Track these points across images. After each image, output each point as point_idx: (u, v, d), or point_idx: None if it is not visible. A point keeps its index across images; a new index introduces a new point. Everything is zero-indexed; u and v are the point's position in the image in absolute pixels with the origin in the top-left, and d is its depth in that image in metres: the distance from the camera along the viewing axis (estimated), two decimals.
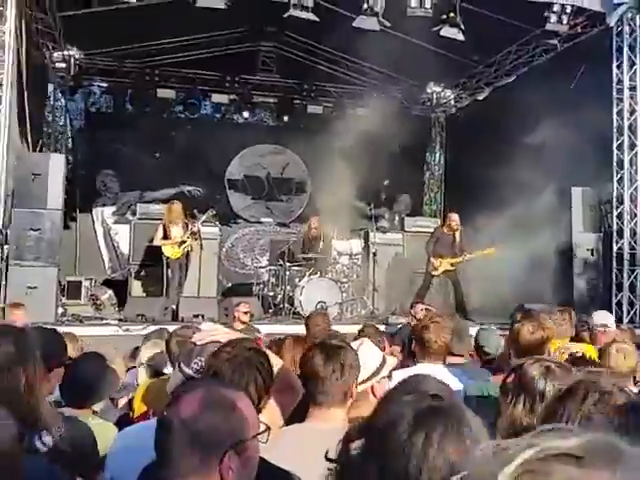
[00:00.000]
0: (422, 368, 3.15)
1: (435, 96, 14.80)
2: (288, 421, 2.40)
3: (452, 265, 10.20)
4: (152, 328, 6.49)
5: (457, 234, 10.25)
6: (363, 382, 2.47)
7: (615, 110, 9.78)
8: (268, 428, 1.65)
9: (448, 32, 9.83)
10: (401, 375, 2.84)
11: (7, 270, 8.48)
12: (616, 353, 3.46)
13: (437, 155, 15.20)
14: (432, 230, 10.88)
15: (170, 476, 1.44)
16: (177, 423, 1.43)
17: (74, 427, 2.48)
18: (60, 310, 9.17)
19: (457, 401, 1.16)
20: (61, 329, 6.31)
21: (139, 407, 3.61)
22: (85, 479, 2.44)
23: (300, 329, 7.34)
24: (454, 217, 10.47)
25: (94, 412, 3.14)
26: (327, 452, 1.22)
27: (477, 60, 12.51)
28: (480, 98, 12.94)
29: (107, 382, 3.21)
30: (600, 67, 9.91)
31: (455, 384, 3.06)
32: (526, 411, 1.83)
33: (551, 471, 0.56)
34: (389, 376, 2.67)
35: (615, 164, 9.73)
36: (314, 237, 10.81)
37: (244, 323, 7.38)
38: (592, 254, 9.92)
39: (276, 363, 2.31)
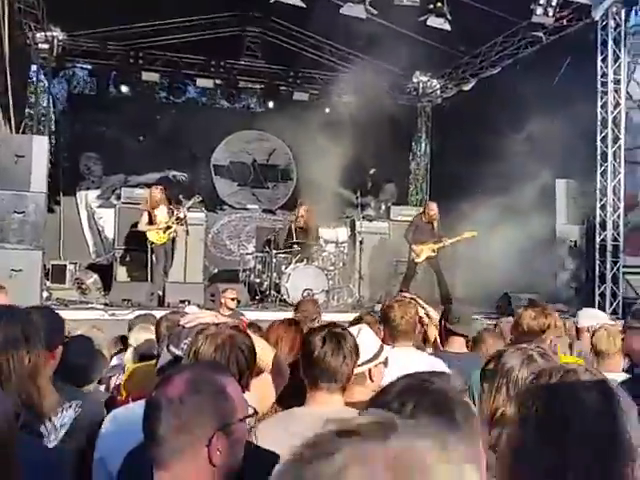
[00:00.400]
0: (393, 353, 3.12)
1: (421, 86, 14.83)
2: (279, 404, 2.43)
3: (434, 251, 10.27)
4: (137, 313, 6.48)
5: (435, 223, 10.34)
6: (362, 365, 2.51)
7: (599, 103, 9.89)
8: (255, 412, 1.67)
9: (434, 22, 9.86)
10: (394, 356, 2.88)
11: None
12: (600, 331, 3.49)
13: (423, 145, 15.25)
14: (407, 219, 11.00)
15: (158, 457, 1.44)
16: (165, 404, 1.44)
17: (90, 400, 2.50)
18: (45, 294, 9.08)
19: (449, 389, 1.20)
20: None
21: (127, 390, 3.61)
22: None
23: (286, 316, 7.38)
24: (433, 206, 10.57)
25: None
26: None
27: (463, 51, 12.56)
28: (466, 89, 12.99)
29: (98, 364, 3.22)
30: (585, 60, 10.00)
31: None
32: (506, 399, 1.82)
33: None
34: (385, 362, 2.72)
35: (599, 156, 9.85)
36: (301, 226, 10.81)
37: (230, 309, 7.35)
38: (575, 245, 10.06)
39: (267, 347, 2.33)
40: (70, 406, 2.40)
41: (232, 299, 7.45)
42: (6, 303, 6.38)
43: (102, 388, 4.22)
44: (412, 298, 3.72)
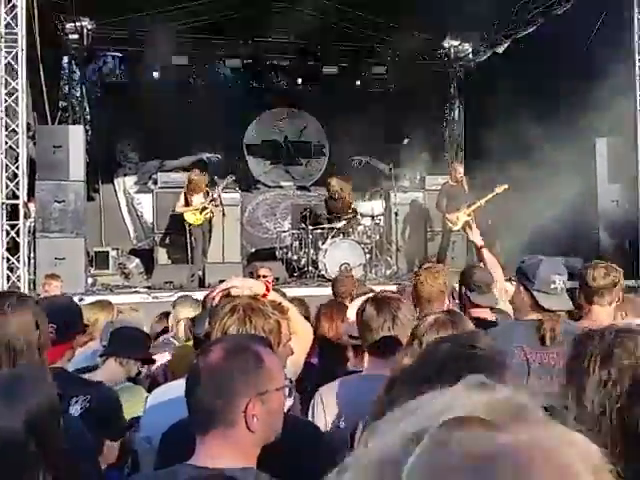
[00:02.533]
0: None
1: (453, 50, 14.50)
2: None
3: (469, 215, 10.07)
4: (178, 295, 6.61)
5: (465, 185, 10.11)
6: None
7: (637, 58, 9.50)
8: (291, 382, 1.69)
9: None
10: None
11: (35, 243, 8.63)
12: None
13: (456, 111, 14.96)
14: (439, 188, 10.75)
15: (198, 424, 1.50)
16: (203, 372, 1.50)
17: (100, 392, 2.56)
18: (90, 280, 9.34)
19: (495, 354, 1.17)
20: (94, 298, 6.47)
21: (172, 370, 3.69)
22: (113, 441, 2.54)
23: (325, 291, 7.42)
24: (458, 168, 10.34)
25: (128, 378, 3.24)
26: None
27: (495, 11, 12.20)
28: (499, 51, 12.66)
29: (145, 348, 3.31)
30: (622, 13, 9.60)
31: None
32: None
33: (451, 439, 0.47)
34: None
35: (639, 113, 9.50)
36: (335, 198, 10.76)
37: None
38: (617, 204, 9.79)
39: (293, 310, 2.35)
40: (77, 401, 2.44)
41: (264, 276, 7.46)
42: (59, 291, 6.61)
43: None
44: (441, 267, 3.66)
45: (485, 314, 3.38)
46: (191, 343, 3.87)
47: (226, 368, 1.49)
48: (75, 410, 2.41)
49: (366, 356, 2.45)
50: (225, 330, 2.02)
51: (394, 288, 4.67)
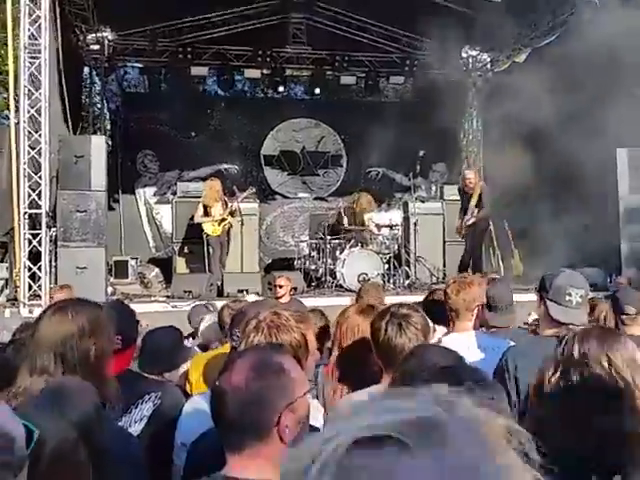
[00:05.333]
0: (450, 339, 2.99)
1: (471, 60, 14.49)
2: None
3: (464, 223, 9.93)
4: (197, 303, 6.63)
5: (474, 194, 9.86)
6: None
7: None
8: (314, 384, 1.67)
9: None
10: (448, 341, 2.84)
11: (56, 252, 8.71)
12: None
13: (474, 121, 14.91)
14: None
15: (228, 441, 1.49)
16: (230, 391, 1.48)
17: (170, 390, 2.57)
18: (110, 289, 9.39)
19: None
20: None
21: (196, 380, 3.68)
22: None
23: (343, 301, 7.39)
24: (467, 174, 10.16)
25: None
26: None
27: (514, 20, 12.17)
28: (518, 60, 12.61)
29: (182, 352, 3.29)
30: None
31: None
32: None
33: (364, 465, 0.45)
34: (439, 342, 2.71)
35: None
36: (357, 213, 10.77)
37: (279, 297, 7.32)
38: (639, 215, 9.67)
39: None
40: (150, 398, 2.46)
41: (280, 286, 7.44)
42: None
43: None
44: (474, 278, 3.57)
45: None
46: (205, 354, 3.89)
47: (254, 385, 1.47)
48: (147, 407, 2.42)
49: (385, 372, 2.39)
50: (247, 338, 2.04)
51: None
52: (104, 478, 1.45)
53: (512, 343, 2.90)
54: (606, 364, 1.65)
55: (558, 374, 1.66)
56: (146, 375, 2.80)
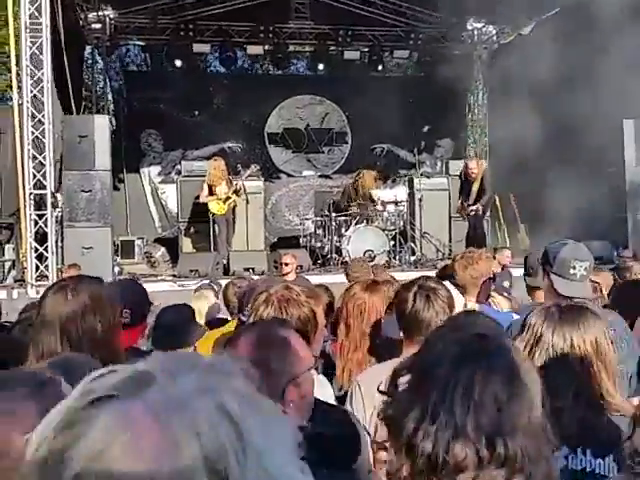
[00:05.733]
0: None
1: (476, 33, 14.29)
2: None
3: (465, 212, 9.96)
4: (202, 282, 6.66)
5: (475, 182, 9.86)
6: None
7: None
8: (317, 359, 1.68)
9: None
10: None
11: (62, 232, 8.74)
12: None
13: (480, 94, 14.75)
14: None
15: None
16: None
17: None
18: (117, 269, 9.43)
19: (505, 341, 1.13)
20: None
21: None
22: None
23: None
24: (469, 163, 10.19)
25: None
26: (379, 385, 1.22)
27: None
28: (524, 32, 12.44)
29: (191, 330, 3.30)
30: None
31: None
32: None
33: (90, 418, 0.54)
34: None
35: None
36: (362, 189, 10.72)
37: (285, 275, 7.33)
38: None
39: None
40: None
41: (283, 264, 7.43)
42: None
43: None
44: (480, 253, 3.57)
45: None
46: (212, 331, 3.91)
47: (258, 359, 1.46)
48: None
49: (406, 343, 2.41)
50: (257, 312, 2.05)
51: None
52: None
53: (516, 317, 2.90)
54: (568, 344, 1.66)
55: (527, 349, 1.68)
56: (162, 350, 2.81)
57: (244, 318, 2.83)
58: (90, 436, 0.53)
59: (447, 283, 2.79)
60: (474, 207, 9.79)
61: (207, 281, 6.70)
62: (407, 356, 2.28)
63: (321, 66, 14.04)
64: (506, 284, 7.09)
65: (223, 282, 6.06)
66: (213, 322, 4.47)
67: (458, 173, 10.65)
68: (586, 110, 9.97)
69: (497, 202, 10.99)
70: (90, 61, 13.30)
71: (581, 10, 10.80)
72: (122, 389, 0.56)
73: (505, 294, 4.73)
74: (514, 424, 0.97)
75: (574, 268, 2.58)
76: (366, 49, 14.06)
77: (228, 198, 9.96)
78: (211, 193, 9.95)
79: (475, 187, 9.83)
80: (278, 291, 2.11)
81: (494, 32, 14.03)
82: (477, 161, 10.48)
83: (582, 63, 9.76)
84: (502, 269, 7.59)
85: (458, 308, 2.62)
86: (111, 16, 12.49)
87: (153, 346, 2.90)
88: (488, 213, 10.77)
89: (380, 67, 14.10)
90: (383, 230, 10.33)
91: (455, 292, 2.76)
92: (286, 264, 7.42)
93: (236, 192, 10.04)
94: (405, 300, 2.35)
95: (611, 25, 9.61)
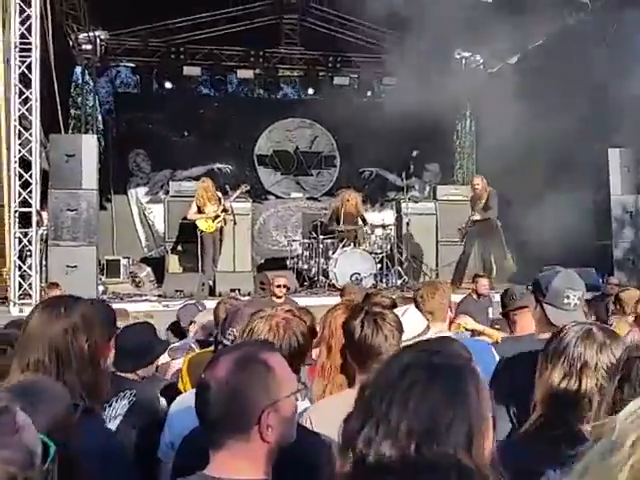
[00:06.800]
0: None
1: (464, 62, 14.52)
2: None
3: (465, 228, 10.04)
4: (186, 302, 6.60)
5: (482, 199, 10.02)
6: (408, 341, 2.49)
7: None
8: (305, 386, 1.66)
9: None
10: None
11: (47, 251, 8.66)
12: None
13: (467, 122, 14.95)
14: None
15: (211, 437, 1.46)
16: (213, 385, 1.45)
17: (143, 387, 2.55)
18: (101, 288, 9.35)
19: (459, 362, 1.14)
20: None
21: (185, 380, 3.66)
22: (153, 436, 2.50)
23: (335, 301, 7.36)
24: (474, 179, 10.42)
25: (142, 378, 3.19)
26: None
27: (506, 22, 12.19)
28: (511, 62, 12.65)
29: (153, 348, 3.26)
30: (634, 24, 9.59)
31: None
32: (561, 375, 1.75)
33: None
34: None
35: None
36: (349, 212, 10.74)
37: (279, 297, 7.33)
38: (631, 216, 9.71)
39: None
40: (125, 395, 2.44)
41: (278, 286, 7.40)
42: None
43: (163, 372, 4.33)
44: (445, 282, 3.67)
45: None
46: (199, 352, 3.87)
47: (236, 380, 1.44)
48: (122, 404, 2.40)
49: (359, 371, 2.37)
50: (253, 333, 2.03)
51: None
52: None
53: (493, 348, 2.91)
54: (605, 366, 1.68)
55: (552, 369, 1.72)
56: (119, 374, 2.78)
57: (226, 342, 2.80)
58: None
59: (412, 308, 2.78)
60: (476, 216, 9.93)
61: (192, 301, 6.64)
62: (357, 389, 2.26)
63: (311, 90, 14.18)
64: (490, 311, 7.10)
65: (207, 303, 6.05)
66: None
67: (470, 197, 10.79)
68: (572, 139, 10.12)
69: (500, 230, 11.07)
70: (80, 81, 13.33)
71: (566, 40, 11.03)
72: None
73: (497, 326, 4.74)
74: (447, 437, 1.00)
75: (568, 297, 2.53)
76: (355, 75, 14.22)
77: (217, 217, 9.94)
78: (200, 212, 9.92)
79: (480, 205, 10.01)
80: (273, 310, 2.10)
81: (481, 61, 14.25)
82: (481, 177, 10.63)
83: (567, 92, 9.92)
84: (479, 297, 7.61)
85: (418, 331, 2.61)
86: (102, 37, 12.57)
87: (115, 367, 2.87)
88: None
89: (369, 93, 14.25)
90: (370, 253, 10.33)
91: (420, 317, 2.74)
92: (284, 286, 7.39)
93: (225, 211, 10.02)
94: (353, 327, 2.30)
95: (598, 53, 9.82)
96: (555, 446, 1.58)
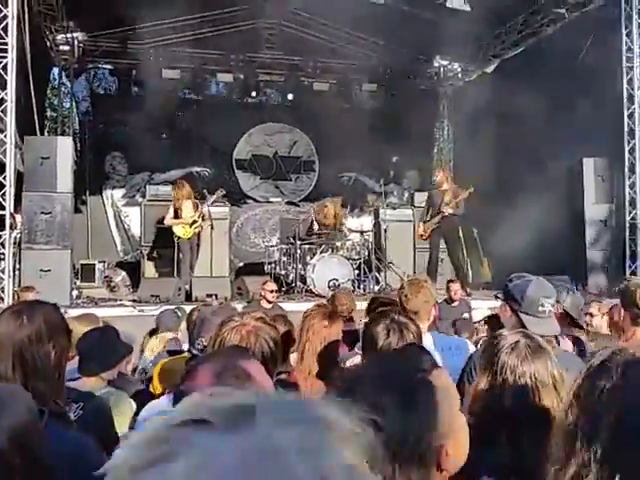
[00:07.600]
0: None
1: (442, 70, 14.65)
2: None
3: (430, 224, 9.92)
4: (165, 308, 6.53)
5: (446, 193, 9.91)
6: None
7: (625, 79, 9.63)
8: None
9: (454, 3, 9.73)
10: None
11: (20, 254, 8.53)
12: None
13: (445, 129, 15.08)
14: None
15: None
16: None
17: (92, 401, 2.51)
18: (75, 293, 9.23)
19: (417, 366, 1.20)
20: (79, 311, 6.38)
21: (156, 385, 3.64)
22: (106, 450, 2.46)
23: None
24: (436, 172, 10.46)
25: (109, 382, 3.14)
26: None
27: (484, 31, 12.35)
28: (488, 71, 12.80)
29: (116, 350, 3.21)
30: (609, 36, 9.76)
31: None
32: (487, 386, 1.76)
33: (178, 441, 0.51)
34: None
35: (626, 134, 9.61)
36: (330, 222, 10.73)
37: (270, 302, 7.28)
38: (605, 225, 9.87)
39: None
40: (69, 409, 2.38)
41: (271, 291, 7.32)
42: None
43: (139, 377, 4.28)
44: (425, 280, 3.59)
45: None
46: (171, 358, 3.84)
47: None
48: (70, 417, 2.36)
49: None
50: (223, 343, 2.02)
51: None
52: None
53: (469, 342, 2.93)
54: (529, 378, 1.71)
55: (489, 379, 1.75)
56: (68, 386, 2.74)
57: (195, 352, 2.78)
58: (169, 466, 0.49)
59: None
60: (447, 210, 9.68)
61: (172, 307, 6.57)
62: None
63: (291, 96, 14.17)
64: (466, 315, 7.16)
65: (187, 308, 6.00)
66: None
67: (427, 193, 10.73)
68: (548, 147, 10.26)
69: (460, 234, 11.09)
70: (57, 82, 13.17)
71: (543, 50, 11.18)
72: (221, 417, 0.52)
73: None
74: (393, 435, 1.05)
75: (542, 305, 2.58)
76: (335, 81, 14.26)
77: (194, 222, 9.86)
78: (177, 217, 9.83)
79: (447, 197, 9.84)
80: (245, 318, 2.10)
81: (459, 70, 14.39)
82: (442, 170, 10.64)
83: (544, 102, 10.05)
84: (452, 302, 7.67)
85: None
86: (80, 38, 12.43)
87: (80, 371, 2.84)
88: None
89: (349, 99, 14.30)
90: (348, 259, 10.35)
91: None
92: (273, 291, 7.34)
93: (202, 217, 9.96)
94: (377, 333, 2.32)
95: (574, 64, 9.98)
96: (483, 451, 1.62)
